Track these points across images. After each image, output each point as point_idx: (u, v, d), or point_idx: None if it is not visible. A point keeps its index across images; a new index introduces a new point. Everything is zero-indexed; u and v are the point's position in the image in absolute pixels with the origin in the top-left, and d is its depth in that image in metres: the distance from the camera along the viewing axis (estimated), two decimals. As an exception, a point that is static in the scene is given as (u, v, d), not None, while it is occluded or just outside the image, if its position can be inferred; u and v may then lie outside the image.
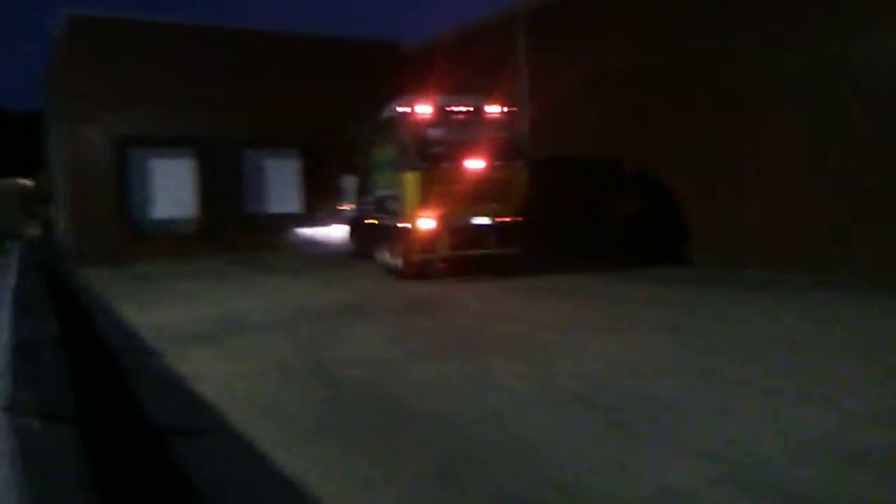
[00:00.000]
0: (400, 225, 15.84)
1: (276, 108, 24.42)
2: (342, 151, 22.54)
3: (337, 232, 25.39)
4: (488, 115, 15.60)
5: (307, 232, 25.57)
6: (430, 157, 14.74)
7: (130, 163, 22.45)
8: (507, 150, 15.29)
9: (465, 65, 21.56)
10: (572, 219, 18.80)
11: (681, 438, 5.35)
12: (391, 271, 16.42)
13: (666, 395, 6.45)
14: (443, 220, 15.13)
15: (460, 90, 17.50)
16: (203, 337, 9.99)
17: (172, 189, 23.06)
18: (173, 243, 22.76)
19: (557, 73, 20.14)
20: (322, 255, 22.72)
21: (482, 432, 5.68)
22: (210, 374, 7.77)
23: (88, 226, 21.92)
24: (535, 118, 19.78)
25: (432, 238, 15.24)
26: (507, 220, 15.56)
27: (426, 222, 15.08)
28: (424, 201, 14.87)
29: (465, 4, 25.05)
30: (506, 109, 15.76)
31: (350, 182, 21.50)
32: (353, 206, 21.34)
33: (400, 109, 15.21)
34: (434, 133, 14.94)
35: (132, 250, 21.90)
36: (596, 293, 13.09)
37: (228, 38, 24.32)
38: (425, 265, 15.60)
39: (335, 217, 25.22)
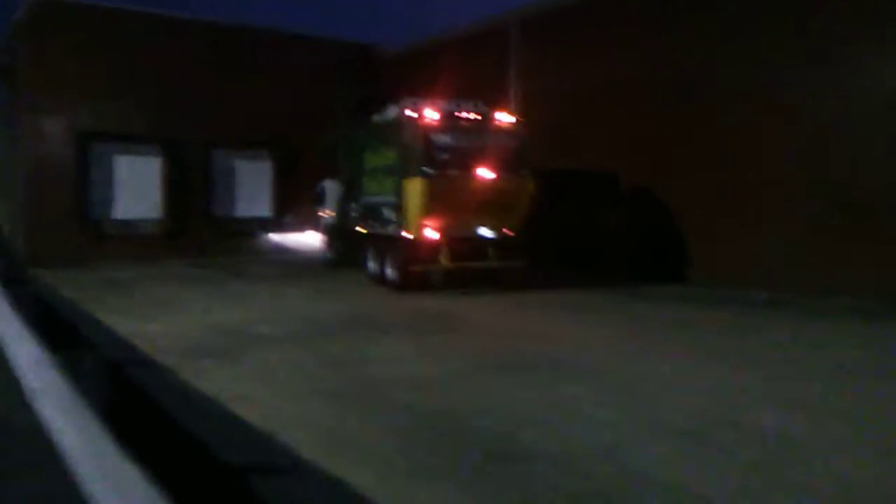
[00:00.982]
0: (398, 234, 15.07)
1: (248, 106, 23.32)
2: (320, 154, 21.66)
3: (309, 238, 24.38)
4: (496, 124, 14.97)
5: (277, 237, 24.45)
6: (437, 163, 14.01)
7: (93, 158, 21.00)
8: (514, 160, 14.67)
9: (451, 71, 20.89)
10: (567, 232, 18.29)
11: (817, 477, 4.79)
12: (384, 282, 15.59)
13: (774, 429, 5.89)
14: (446, 230, 14.42)
15: (448, 95, 16.81)
16: (213, 351, 9.02)
17: (137, 187, 21.68)
18: (136, 245, 21.39)
19: (551, 82, 19.73)
20: (295, 262, 21.68)
21: (601, 470, 5.00)
22: (245, 394, 6.86)
23: (44, 223, 20.37)
24: (527, 128, 19.22)
25: (434, 248, 14.51)
26: (511, 232, 14.98)
27: (429, 232, 14.34)
28: (428, 210, 14.12)
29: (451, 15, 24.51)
30: (514, 118, 15.16)
31: (330, 187, 20.59)
32: (333, 213, 20.44)
33: (407, 112, 14.41)
34: (440, 139, 14.22)
35: (92, 252, 20.42)
36: (612, 311, 12.57)
37: (201, 32, 23.13)
38: (425, 277, 14.84)
39: (307, 223, 24.23)
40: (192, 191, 22.73)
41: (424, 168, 13.92)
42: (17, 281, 11.63)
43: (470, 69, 20.68)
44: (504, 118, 15.10)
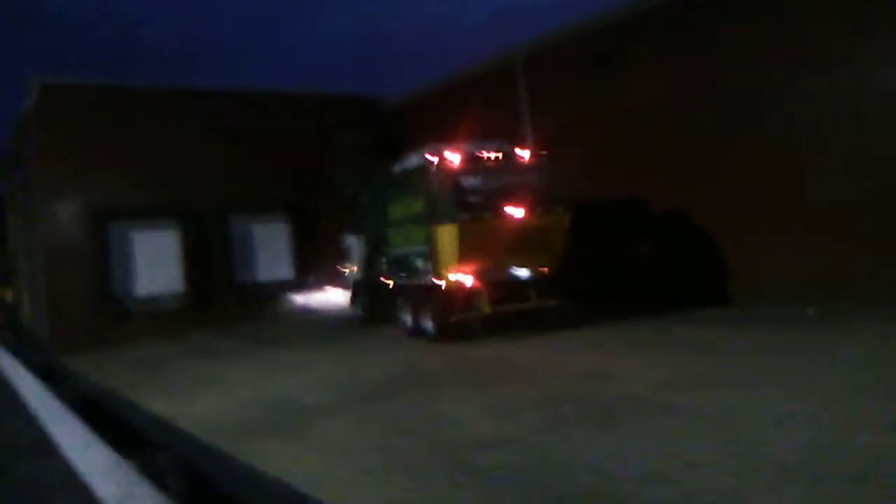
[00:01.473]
0: (431, 283, 14.58)
1: (261, 169, 23.13)
2: (340, 210, 21.31)
3: (332, 297, 23.92)
4: (521, 161, 14.59)
5: (301, 299, 24.00)
6: (467, 207, 13.58)
7: (111, 236, 20.70)
8: (544, 196, 14.24)
9: (461, 113, 20.58)
10: (601, 264, 17.75)
11: None
12: (420, 335, 15.05)
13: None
14: (482, 274, 13.93)
15: (462, 137, 16.50)
16: (268, 427, 8.49)
17: (156, 262, 21.33)
18: (160, 321, 20.92)
19: (559, 114, 19.44)
20: (323, 322, 21.16)
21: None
22: (321, 473, 6.32)
23: (65, 307, 19.95)
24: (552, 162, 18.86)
25: (470, 295, 14.00)
26: (549, 269, 14.47)
27: (464, 278, 13.85)
28: (462, 255, 13.65)
29: (438, 64, 24.41)
30: (539, 153, 14.78)
31: (353, 242, 20.19)
32: (358, 268, 20.01)
33: (430, 158, 14.04)
34: (468, 182, 13.83)
35: (116, 332, 20.00)
36: (666, 342, 11.98)
37: (207, 101, 23.00)
38: (464, 325, 14.29)
39: (330, 281, 23.79)
40: (211, 260, 22.37)
41: (455, 213, 13.48)
42: (52, 374, 11.21)
43: (478, 109, 20.38)
44: (528, 154, 14.73)
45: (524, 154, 14.70)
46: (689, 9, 16.63)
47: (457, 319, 14.03)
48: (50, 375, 10.12)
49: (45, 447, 6.64)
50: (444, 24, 75.95)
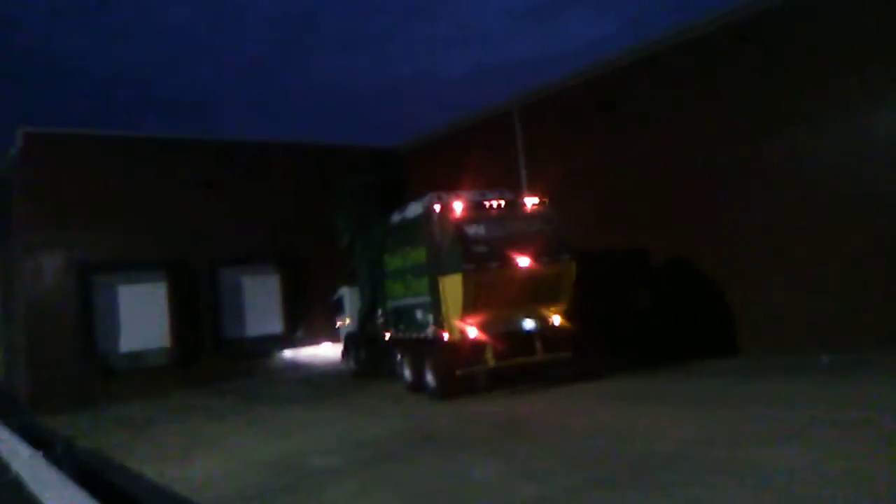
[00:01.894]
0: (433, 336, 14.07)
1: (251, 221, 22.71)
2: (333, 260, 20.84)
3: (324, 351, 23.30)
4: (525, 208, 14.28)
5: (290, 354, 23.32)
6: (472, 256, 13.16)
7: (95, 290, 19.98)
8: (551, 244, 13.86)
9: (460, 161, 20.33)
10: (602, 316, 17.30)
11: None
12: (421, 390, 14.46)
13: None
14: (487, 326, 13.44)
15: (463, 185, 16.23)
16: (276, 495, 7.86)
17: (142, 317, 20.57)
18: (146, 378, 20.10)
19: (558, 163, 19.27)
20: (315, 378, 20.45)
21: None
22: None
23: (45, 365, 19.07)
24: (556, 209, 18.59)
25: (477, 348, 13.47)
26: (556, 322, 14.02)
27: (471, 330, 13.35)
28: (466, 306, 13.17)
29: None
30: (544, 201, 14.46)
31: (347, 293, 19.68)
32: (351, 320, 19.46)
33: (432, 206, 13.67)
34: (472, 230, 13.44)
35: (100, 390, 19.15)
36: (685, 397, 11.51)
37: (195, 151, 22.63)
38: (469, 380, 13.72)
39: (321, 335, 23.19)
40: (199, 314, 21.69)
41: (460, 263, 13.05)
42: (39, 439, 10.47)
43: (477, 158, 20.21)
44: (532, 202, 14.41)
45: (528, 201, 14.38)
46: (689, 58, 16.67)
47: (461, 374, 13.47)
48: (34, 439, 9.41)
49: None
50: (430, 76, 76.93)
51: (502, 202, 14.15)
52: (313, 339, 23.52)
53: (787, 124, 14.76)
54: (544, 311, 13.93)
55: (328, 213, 19.28)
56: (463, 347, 13.49)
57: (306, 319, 23.42)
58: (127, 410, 17.10)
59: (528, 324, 13.83)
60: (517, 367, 13.80)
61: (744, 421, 9.10)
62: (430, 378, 14.31)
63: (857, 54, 13.75)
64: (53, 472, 6.50)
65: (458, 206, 13.58)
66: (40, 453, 7.62)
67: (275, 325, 23.13)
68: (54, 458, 7.51)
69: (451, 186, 15.29)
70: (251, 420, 14.05)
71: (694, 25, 16.57)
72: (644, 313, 17.31)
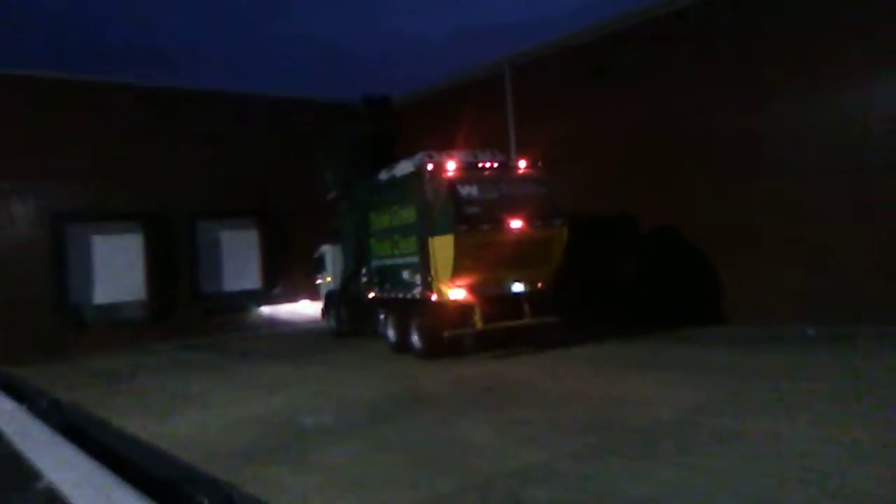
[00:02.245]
0: (420, 296, 13.89)
1: (232, 174, 22.17)
2: (316, 218, 20.48)
3: (303, 309, 23.03)
4: (518, 171, 14.03)
5: (269, 310, 23.02)
6: (465, 218, 12.91)
7: (69, 240, 19.41)
8: (543, 208, 13.67)
9: (452, 120, 19.92)
10: (589, 280, 17.23)
11: None
12: (406, 351, 14.31)
13: None
14: (478, 288, 13.28)
15: (453, 145, 15.90)
16: (267, 452, 7.66)
17: (117, 269, 20.10)
18: (120, 331, 19.72)
19: (548, 126, 18.99)
20: (294, 335, 20.24)
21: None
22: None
23: (18, 316, 18.53)
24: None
25: (465, 310, 13.32)
26: (546, 284, 13.91)
27: (460, 292, 13.18)
28: (457, 268, 12.97)
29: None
30: (538, 164, 14.21)
31: (329, 251, 19.36)
32: (333, 279, 19.18)
33: (426, 165, 13.36)
34: (465, 191, 13.18)
35: (73, 342, 18.72)
36: (680, 363, 11.48)
37: (174, 100, 21.94)
38: (456, 342, 13.59)
39: (301, 292, 22.90)
40: (176, 268, 21.25)
41: (452, 223, 12.80)
42: (20, 392, 10.13)
43: (468, 118, 19.79)
44: (526, 164, 14.17)
45: (521, 164, 14.14)
46: (685, 21, 16.41)
47: (449, 336, 13.33)
48: (14, 392, 9.08)
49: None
50: (415, 36, 75.55)
51: (496, 163, 13.90)
52: (292, 296, 23.22)
53: (783, 96, 14.66)
54: (534, 275, 13.78)
55: (316, 164, 18.74)
56: (451, 309, 13.35)
57: (285, 276, 23.10)
58: (103, 363, 16.73)
59: (517, 287, 13.69)
60: (503, 330, 13.72)
61: (745, 390, 9.07)
62: (415, 339, 14.16)
63: (858, 25, 13.63)
64: (41, 427, 6.21)
65: (450, 166, 13.28)
66: (24, 407, 7.31)
67: (253, 281, 22.79)
68: (39, 412, 7.21)
69: (439, 146, 14.93)
70: (232, 375, 13.82)
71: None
72: (631, 280, 17.29)
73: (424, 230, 13.51)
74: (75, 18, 69.10)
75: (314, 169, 18.91)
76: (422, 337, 13.93)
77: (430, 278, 13.43)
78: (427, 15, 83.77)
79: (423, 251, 13.56)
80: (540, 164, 14.38)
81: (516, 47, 20.51)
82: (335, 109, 24.42)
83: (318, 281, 20.08)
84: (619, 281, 17.44)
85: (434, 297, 13.42)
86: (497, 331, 13.62)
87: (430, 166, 13.33)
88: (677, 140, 16.51)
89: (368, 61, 66.74)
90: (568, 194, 16.38)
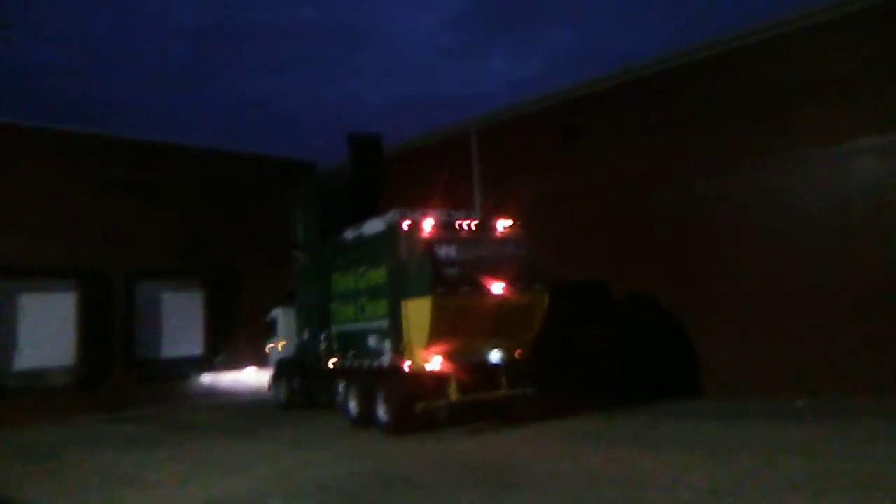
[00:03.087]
0: (389, 365, 12.80)
1: (174, 231, 20.85)
2: (263, 279, 19.30)
3: (247, 377, 21.50)
4: (497, 231, 13.23)
5: (210, 379, 21.36)
6: (443, 280, 12.00)
7: (-8, 298, 17.63)
8: (524, 271, 12.87)
9: (407, 183, 19.20)
10: (562, 349, 16.40)
11: None
12: (369, 425, 13.07)
13: None
14: (453, 356, 12.27)
15: (421, 205, 15.13)
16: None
17: (45, 330, 18.31)
18: (44, 400, 17.83)
19: (513, 188, 18.44)
20: (237, 407, 18.69)
21: None
22: None
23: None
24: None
25: (440, 380, 12.27)
26: (523, 354, 13.02)
27: (435, 361, 12.15)
28: (433, 334, 11.98)
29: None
30: (517, 224, 13.45)
31: (283, 315, 18.06)
32: (286, 345, 17.85)
33: (401, 223, 12.45)
34: (443, 251, 12.29)
35: (-10, 412, 16.75)
36: (675, 439, 10.69)
37: (113, 150, 20.54)
38: (429, 415, 12.47)
39: (245, 359, 21.41)
40: (111, 331, 19.56)
41: (429, 286, 11.86)
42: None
43: (433, 179, 19.11)
44: (505, 224, 13.38)
45: (500, 223, 13.34)
46: (654, 89, 16.30)
47: (421, 408, 12.21)
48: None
49: None
50: (353, 102, 76.00)
51: (473, 223, 13.10)
52: (235, 364, 21.68)
53: (757, 158, 14.51)
54: (512, 343, 12.89)
55: (289, 211, 17.51)
56: (424, 379, 12.29)
57: (229, 341, 21.61)
58: (25, 438, 14.87)
59: (495, 356, 12.76)
60: (477, 401, 12.71)
61: (754, 470, 8.29)
62: (382, 412, 12.97)
63: (831, 92, 13.65)
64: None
65: (427, 225, 12.43)
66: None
67: (194, 346, 21.21)
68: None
69: (403, 205, 14.10)
70: (179, 453, 12.26)
71: (654, 60, 16.39)
72: (600, 349, 16.57)
73: (397, 292, 12.54)
74: (10, 64, 66.75)
75: (262, 227, 17.84)
76: (391, 409, 12.76)
77: (402, 345, 12.39)
78: (365, 84, 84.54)
79: (395, 315, 12.55)
80: (519, 223, 13.62)
81: (451, 117, 20.19)
82: (284, 166, 23.54)
83: (269, 347, 18.69)
84: (591, 350, 16.68)
85: (406, 366, 12.35)
86: (470, 402, 12.60)
87: (405, 224, 12.45)
88: (648, 204, 16.17)
89: (307, 125, 66.54)
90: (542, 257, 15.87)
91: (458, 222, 12.90)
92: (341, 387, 14.57)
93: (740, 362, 14.49)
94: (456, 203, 17.17)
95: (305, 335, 16.57)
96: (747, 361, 14.39)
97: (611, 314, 16.67)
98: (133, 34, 78.37)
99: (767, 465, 8.49)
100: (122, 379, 19.43)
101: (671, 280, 15.63)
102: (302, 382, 16.99)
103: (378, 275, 13.28)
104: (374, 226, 13.67)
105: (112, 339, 19.51)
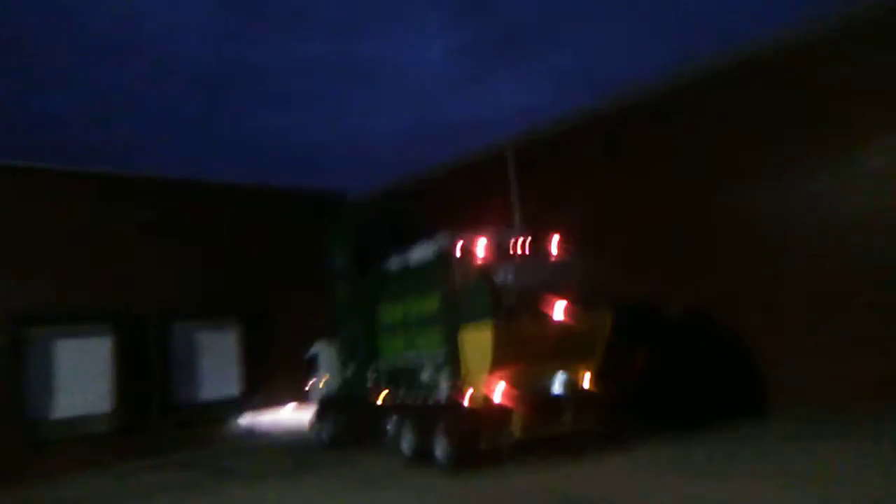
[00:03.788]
0: (447, 400, 12.05)
1: (210, 270, 20.34)
2: (299, 316, 18.71)
3: (287, 417, 20.79)
4: (552, 252, 12.52)
5: (248, 420, 20.68)
6: (502, 307, 11.28)
7: (29, 346, 17.13)
8: (584, 293, 12.10)
9: (442, 209, 18.61)
10: (620, 375, 15.55)
11: None
12: (426, 464, 12.28)
13: None
14: (514, 389, 11.49)
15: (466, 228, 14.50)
16: None
17: (82, 377, 17.76)
18: (84, 449, 17.22)
19: (554, 206, 17.77)
20: (280, 449, 17.94)
21: None
22: None
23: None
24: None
25: (503, 414, 11.48)
26: (588, 386, 12.21)
27: (496, 393, 11.39)
28: (495, 364, 11.25)
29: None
30: (571, 243, 12.72)
31: (325, 351, 17.37)
32: (329, 381, 17.12)
33: (454, 247, 11.78)
34: (500, 276, 11.60)
35: (29, 463, 16.20)
36: (772, 468, 9.79)
37: (151, 192, 20.26)
38: (493, 452, 11.67)
39: (285, 398, 20.72)
40: (148, 375, 19.01)
41: (489, 313, 11.15)
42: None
43: (462, 204, 18.50)
44: (559, 244, 12.65)
45: (555, 242, 12.61)
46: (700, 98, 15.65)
47: (486, 445, 11.43)
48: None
49: None
50: (366, 134, 76.33)
51: (528, 243, 12.38)
52: (274, 403, 21.02)
53: (812, 166, 13.82)
54: (575, 371, 12.12)
55: (326, 245, 16.99)
56: (486, 412, 11.52)
57: (267, 380, 20.94)
58: (66, 490, 14.25)
59: (558, 387, 11.98)
60: (537, 436, 11.88)
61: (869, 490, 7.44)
62: (440, 450, 12.18)
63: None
64: None
65: (481, 246, 11.77)
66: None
67: (232, 387, 20.52)
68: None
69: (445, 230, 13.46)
70: (224, 499, 11.54)
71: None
72: (657, 372, 15.72)
73: (452, 321, 11.84)
74: (31, 110, 67.55)
75: (295, 261, 17.27)
76: (450, 446, 11.95)
77: (460, 377, 11.67)
78: (377, 116, 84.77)
79: (451, 346, 11.86)
80: (573, 242, 12.90)
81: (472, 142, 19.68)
82: (314, 198, 23.08)
83: (310, 384, 17.96)
84: (648, 374, 15.83)
85: (466, 399, 11.61)
86: (537, 439, 11.79)
87: (458, 248, 11.78)
88: (700, 219, 15.46)
89: (324, 158, 66.68)
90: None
91: (511, 242, 12.24)
92: (392, 423, 13.82)
93: (808, 378, 13.60)
94: (498, 224, 16.62)
95: (350, 371, 15.91)
96: (815, 376, 13.50)
97: (667, 334, 15.85)
98: (148, 80, 79.11)
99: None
100: (159, 424, 18.81)
101: (728, 296, 14.85)
102: (347, 420, 16.27)
103: (430, 303, 12.61)
104: (422, 252, 13.02)
105: (149, 383, 18.94)
